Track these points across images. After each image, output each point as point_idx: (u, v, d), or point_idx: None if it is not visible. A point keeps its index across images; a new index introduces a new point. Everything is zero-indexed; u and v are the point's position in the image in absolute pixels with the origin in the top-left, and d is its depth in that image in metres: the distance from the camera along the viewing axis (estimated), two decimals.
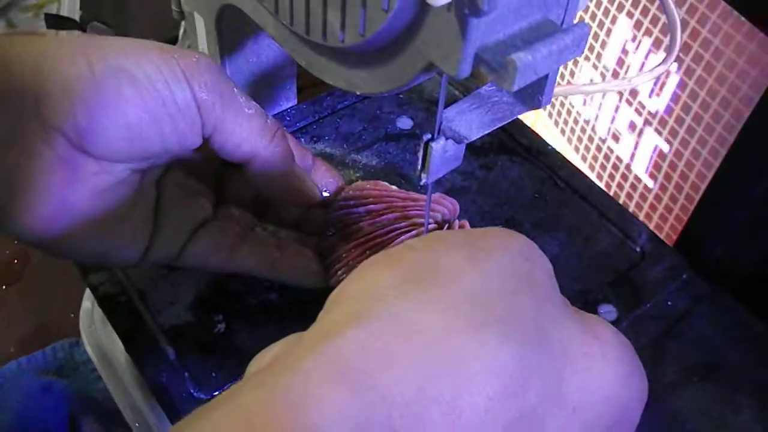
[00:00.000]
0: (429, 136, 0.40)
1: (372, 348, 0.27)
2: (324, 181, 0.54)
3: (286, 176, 0.50)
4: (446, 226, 0.50)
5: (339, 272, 0.50)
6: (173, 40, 0.87)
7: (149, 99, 0.42)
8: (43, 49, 0.41)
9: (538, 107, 0.40)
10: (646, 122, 0.66)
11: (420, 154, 0.41)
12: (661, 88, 0.63)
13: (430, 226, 0.50)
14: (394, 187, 0.54)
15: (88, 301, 0.69)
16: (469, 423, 0.27)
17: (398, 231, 0.50)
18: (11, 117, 0.40)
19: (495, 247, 0.32)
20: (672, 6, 0.44)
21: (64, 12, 0.91)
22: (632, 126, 0.68)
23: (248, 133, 0.46)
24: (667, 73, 0.62)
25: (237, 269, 0.51)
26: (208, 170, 0.51)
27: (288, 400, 0.26)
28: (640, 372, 0.34)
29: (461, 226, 0.50)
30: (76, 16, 0.87)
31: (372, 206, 0.52)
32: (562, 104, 0.76)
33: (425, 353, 0.27)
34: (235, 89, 0.46)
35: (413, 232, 0.50)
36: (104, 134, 0.42)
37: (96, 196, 0.44)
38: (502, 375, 0.28)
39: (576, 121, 0.75)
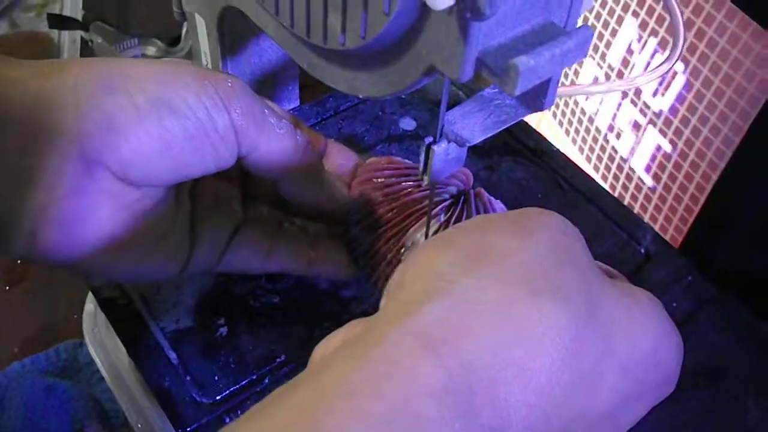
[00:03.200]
0: (431, 138, 0.40)
1: (448, 321, 0.30)
2: (339, 162, 0.54)
3: (316, 188, 0.50)
4: (462, 197, 0.50)
5: (367, 263, 0.51)
6: (176, 41, 0.87)
7: (192, 129, 0.42)
8: (78, 81, 0.41)
9: (540, 110, 0.39)
10: (651, 123, 0.65)
11: (422, 157, 0.41)
12: (666, 89, 0.63)
13: (446, 200, 0.50)
14: (407, 162, 0.54)
15: (91, 303, 0.69)
16: (537, 382, 0.30)
17: (416, 214, 0.50)
18: (55, 158, 0.40)
19: (536, 226, 0.34)
20: (675, 5, 0.43)
21: (67, 12, 0.91)
22: (636, 127, 0.67)
23: (280, 153, 0.47)
24: (673, 74, 0.62)
25: (274, 270, 0.52)
26: (235, 169, 0.51)
27: (380, 370, 0.28)
28: (675, 330, 0.37)
29: (477, 195, 0.50)
30: (79, 16, 0.87)
31: (388, 189, 0.52)
32: (567, 104, 0.76)
33: (494, 323, 0.30)
34: (266, 110, 0.46)
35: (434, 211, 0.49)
36: (149, 166, 0.42)
37: (138, 219, 0.44)
38: (563, 338, 0.30)
39: (581, 122, 0.74)
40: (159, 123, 0.41)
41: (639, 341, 0.34)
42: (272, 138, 0.46)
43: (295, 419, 0.28)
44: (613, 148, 0.71)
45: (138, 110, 0.41)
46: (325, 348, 0.35)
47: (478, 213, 0.49)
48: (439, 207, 0.49)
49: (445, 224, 0.49)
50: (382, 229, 0.51)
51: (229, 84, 0.44)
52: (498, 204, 0.51)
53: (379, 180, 0.52)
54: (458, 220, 0.49)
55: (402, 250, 0.50)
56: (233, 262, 0.50)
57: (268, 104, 0.47)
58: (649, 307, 0.36)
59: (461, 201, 0.50)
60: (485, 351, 0.29)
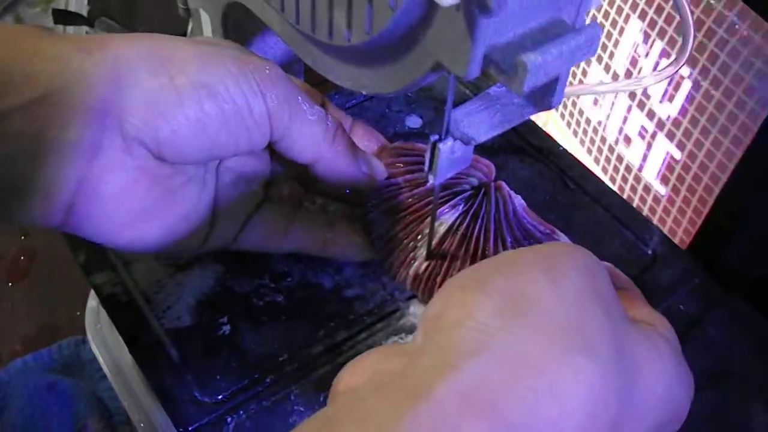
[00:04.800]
0: (437, 136, 0.39)
1: (490, 379, 0.31)
2: (364, 143, 0.54)
3: (349, 173, 0.51)
4: (482, 189, 0.50)
5: (384, 247, 0.52)
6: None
7: (229, 114, 0.44)
8: (120, 57, 0.42)
9: (548, 108, 0.39)
10: (659, 124, 0.65)
11: (428, 155, 0.41)
12: (675, 89, 0.62)
13: (466, 191, 0.50)
14: None
15: (94, 300, 0.69)
16: None
17: (440, 201, 0.50)
18: (95, 132, 0.41)
19: (569, 268, 0.35)
20: (685, 5, 0.43)
21: (72, 7, 0.91)
22: (644, 128, 0.67)
23: (312, 139, 0.48)
24: (681, 76, 0.61)
25: (290, 250, 0.53)
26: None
27: (425, 426, 0.29)
28: (688, 372, 0.38)
29: (498, 188, 0.50)
30: (84, 12, 0.87)
31: (409, 176, 0.52)
32: (574, 104, 0.75)
33: (532, 381, 0.31)
34: (300, 96, 0.47)
35: (451, 203, 0.50)
36: (184, 146, 0.44)
37: (168, 195, 0.46)
38: (594, 394, 0.32)
39: (588, 122, 0.74)
40: (198, 106, 0.43)
41: (656, 387, 0.36)
42: (304, 123, 0.47)
43: None
44: (620, 153, 0.71)
45: (178, 92, 0.42)
46: (350, 378, 0.35)
47: (497, 206, 0.49)
48: (459, 198, 0.49)
49: (463, 215, 0.49)
50: (402, 215, 0.51)
51: (267, 70, 0.45)
52: (518, 199, 0.51)
53: (401, 166, 0.52)
54: (476, 212, 0.49)
55: (419, 237, 0.50)
56: (250, 240, 0.52)
57: (301, 90, 0.47)
58: (666, 351, 0.37)
59: (481, 193, 0.50)
60: (524, 410, 0.30)
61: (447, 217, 0.49)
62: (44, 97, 0.40)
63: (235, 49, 0.46)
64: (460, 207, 0.49)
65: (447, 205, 0.50)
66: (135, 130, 0.42)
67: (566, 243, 0.37)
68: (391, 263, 0.51)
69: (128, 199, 0.44)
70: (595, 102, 0.72)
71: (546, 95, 0.39)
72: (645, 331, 0.37)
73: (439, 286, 0.48)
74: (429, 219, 0.49)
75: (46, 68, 0.40)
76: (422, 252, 0.50)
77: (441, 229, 0.49)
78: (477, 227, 0.49)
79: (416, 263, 0.50)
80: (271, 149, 0.50)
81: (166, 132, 0.43)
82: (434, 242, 0.49)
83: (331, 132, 0.48)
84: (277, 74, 0.45)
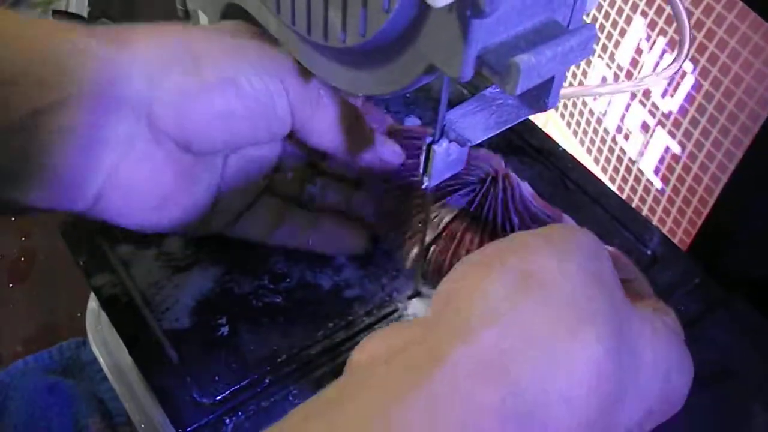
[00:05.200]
0: (431, 138, 0.39)
1: (503, 347, 0.32)
2: (374, 125, 0.54)
3: (367, 158, 0.51)
4: (490, 177, 0.50)
5: (386, 227, 0.53)
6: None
7: (254, 109, 0.45)
8: (151, 52, 0.44)
9: (543, 110, 0.39)
10: (660, 124, 0.65)
11: (423, 157, 0.41)
12: (675, 89, 0.62)
13: (472, 182, 0.51)
14: None
15: (94, 301, 0.68)
16: (577, 408, 0.32)
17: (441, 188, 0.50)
18: (127, 125, 0.43)
19: (574, 250, 0.37)
20: (680, 7, 0.42)
21: (72, 8, 0.91)
22: (645, 127, 0.67)
23: (331, 128, 0.49)
24: (683, 74, 0.61)
25: (276, 245, 0.55)
26: None
27: (439, 390, 0.30)
28: (688, 355, 0.40)
29: (505, 176, 0.50)
30: (84, 13, 0.87)
31: (415, 161, 0.52)
32: (574, 105, 0.75)
33: (541, 353, 0.32)
34: (313, 82, 0.47)
35: (462, 192, 0.50)
36: (209, 139, 0.46)
37: (189, 182, 0.48)
38: (600, 368, 0.33)
39: (588, 122, 0.74)
40: (224, 101, 0.45)
41: (658, 369, 0.37)
42: (321, 112, 0.48)
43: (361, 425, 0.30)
44: (621, 149, 0.70)
45: (206, 87, 0.44)
46: (363, 353, 0.36)
47: (504, 195, 0.50)
48: (466, 190, 0.50)
49: (472, 199, 0.50)
50: (407, 197, 0.51)
51: (289, 65, 0.46)
52: (525, 186, 0.51)
53: (410, 149, 0.52)
54: (485, 195, 0.50)
55: (420, 225, 0.50)
56: (240, 230, 0.53)
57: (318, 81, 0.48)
58: (667, 337, 0.38)
59: (489, 179, 0.50)
60: (536, 377, 0.31)
61: (455, 201, 0.50)
62: (81, 93, 0.41)
63: (258, 39, 0.47)
64: (469, 192, 0.50)
65: (456, 192, 0.50)
66: (164, 124, 0.44)
67: (573, 226, 0.38)
68: (393, 243, 0.52)
69: (154, 187, 0.46)
70: (595, 99, 0.72)
71: (541, 96, 0.38)
72: (647, 316, 0.38)
73: (448, 264, 0.49)
74: (434, 206, 0.50)
75: (81, 63, 0.42)
76: (430, 232, 0.50)
77: (448, 213, 0.50)
78: (485, 209, 0.49)
79: (424, 241, 0.50)
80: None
81: (193, 124, 0.44)
82: (443, 223, 0.50)
83: (349, 119, 0.49)
84: (296, 68, 0.46)
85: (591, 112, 0.73)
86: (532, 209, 0.50)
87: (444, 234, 0.50)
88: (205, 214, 0.51)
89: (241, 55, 0.46)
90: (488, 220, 0.49)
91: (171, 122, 0.44)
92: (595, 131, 0.73)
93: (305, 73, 0.46)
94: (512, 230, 0.49)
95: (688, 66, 0.60)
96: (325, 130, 0.49)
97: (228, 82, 0.44)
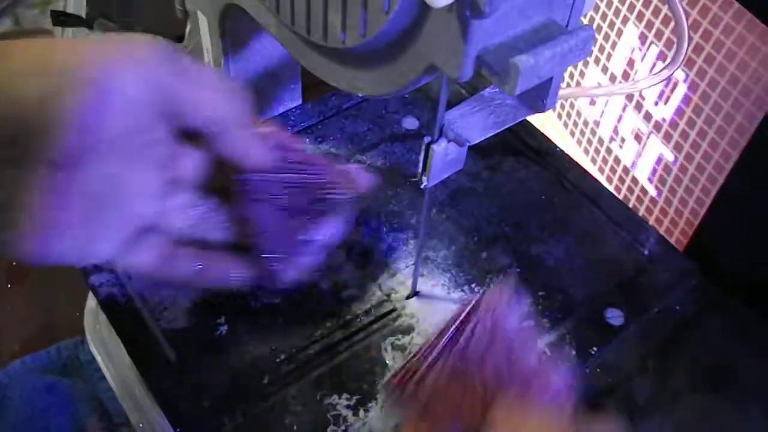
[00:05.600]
0: (430, 138, 0.40)
1: None
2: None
3: (240, 137, 0.45)
4: (475, 305, 0.44)
5: None
6: (180, 39, 0.87)
7: (131, 119, 0.39)
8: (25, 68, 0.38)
9: (542, 111, 0.39)
10: (655, 129, 0.65)
11: (421, 156, 0.41)
12: (671, 91, 0.62)
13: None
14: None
15: (92, 301, 0.69)
16: None
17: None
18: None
19: None
20: (679, 8, 0.43)
21: (70, 9, 0.91)
22: (640, 135, 0.67)
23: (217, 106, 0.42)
24: (675, 83, 0.61)
25: (164, 278, 0.47)
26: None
27: None
28: None
29: (494, 308, 0.44)
30: (83, 13, 0.87)
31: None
32: (572, 105, 0.75)
33: None
34: (184, 59, 0.41)
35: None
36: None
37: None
38: None
39: (586, 124, 0.74)
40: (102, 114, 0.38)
41: None
42: (199, 90, 0.41)
43: None
44: (617, 155, 0.71)
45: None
46: None
47: (483, 332, 0.43)
48: (448, 334, 0.44)
49: (449, 346, 0.44)
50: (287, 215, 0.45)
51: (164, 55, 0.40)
52: (513, 315, 0.44)
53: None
54: (460, 338, 0.44)
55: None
56: (126, 264, 0.46)
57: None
58: None
59: (471, 309, 0.44)
60: None
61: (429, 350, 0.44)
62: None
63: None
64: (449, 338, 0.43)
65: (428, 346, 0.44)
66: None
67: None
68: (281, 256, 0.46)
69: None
70: (592, 102, 0.72)
71: (540, 97, 0.39)
72: None
73: (413, 394, 0.43)
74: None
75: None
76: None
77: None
78: (460, 357, 0.43)
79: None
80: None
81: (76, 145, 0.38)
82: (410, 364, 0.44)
83: (230, 94, 0.43)
84: (167, 53, 0.39)
85: (585, 123, 0.73)
86: (512, 355, 0.43)
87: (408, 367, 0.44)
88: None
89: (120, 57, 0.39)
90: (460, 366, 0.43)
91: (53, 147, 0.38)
92: (593, 132, 0.73)
93: (177, 56, 0.40)
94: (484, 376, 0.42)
95: (680, 74, 0.60)
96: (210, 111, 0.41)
97: (112, 92, 0.38)
